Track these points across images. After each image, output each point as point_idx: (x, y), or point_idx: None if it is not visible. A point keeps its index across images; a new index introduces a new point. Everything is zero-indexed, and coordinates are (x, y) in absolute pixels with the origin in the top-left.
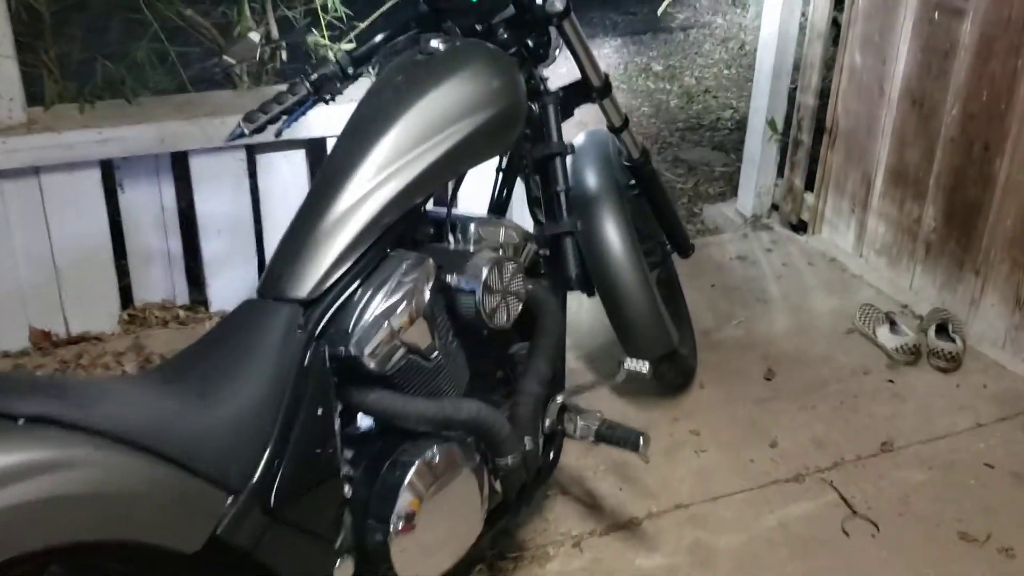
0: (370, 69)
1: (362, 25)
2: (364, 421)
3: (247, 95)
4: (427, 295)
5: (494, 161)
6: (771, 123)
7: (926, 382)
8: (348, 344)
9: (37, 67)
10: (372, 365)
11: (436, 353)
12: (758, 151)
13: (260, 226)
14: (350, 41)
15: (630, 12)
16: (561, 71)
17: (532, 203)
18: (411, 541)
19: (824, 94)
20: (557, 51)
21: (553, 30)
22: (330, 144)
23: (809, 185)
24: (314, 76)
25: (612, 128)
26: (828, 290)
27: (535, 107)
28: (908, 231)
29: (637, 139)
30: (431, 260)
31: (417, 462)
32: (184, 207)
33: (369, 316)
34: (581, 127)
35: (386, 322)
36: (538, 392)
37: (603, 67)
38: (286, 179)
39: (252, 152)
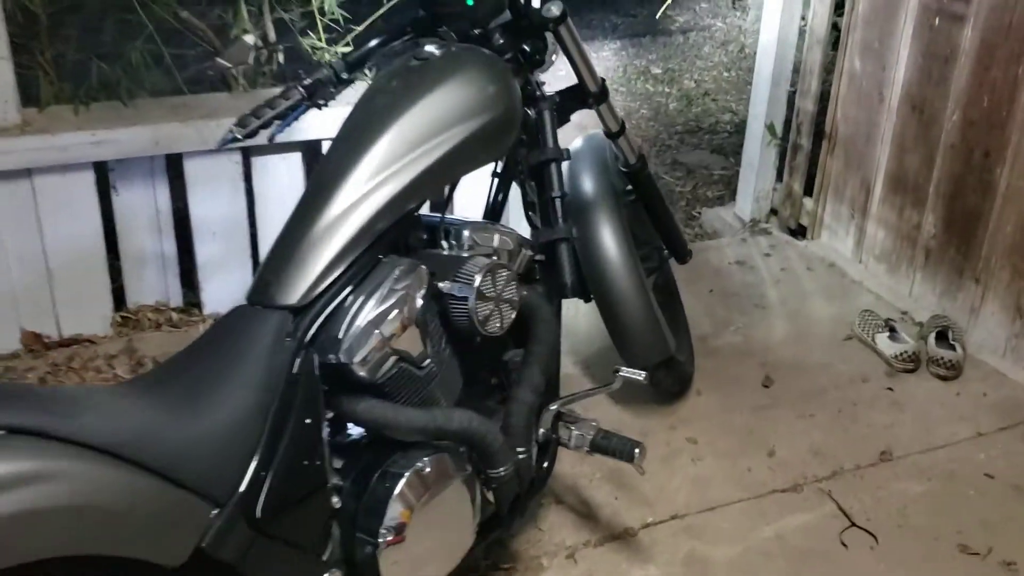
0: (366, 72)
1: (359, 28)
2: (354, 430)
3: (243, 98)
4: (419, 302)
5: (489, 166)
6: (770, 127)
7: (926, 390)
8: (338, 352)
9: (33, 68)
10: (363, 373)
11: (428, 361)
12: (757, 155)
13: (255, 229)
14: (347, 44)
15: (630, 14)
16: (560, 72)
17: (528, 208)
18: (401, 553)
19: (824, 99)
20: (554, 56)
21: (549, 35)
22: (326, 147)
23: (808, 190)
24: (308, 81)
25: (609, 133)
26: (827, 296)
27: (531, 112)
28: (908, 237)
29: (634, 144)
30: (423, 266)
31: (408, 473)
32: (178, 209)
33: (360, 323)
34: (580, 130)
35: (377, 329)
36: (531, 401)
37: (602, 70)
38: (282, 182)
39: (247, 154)
